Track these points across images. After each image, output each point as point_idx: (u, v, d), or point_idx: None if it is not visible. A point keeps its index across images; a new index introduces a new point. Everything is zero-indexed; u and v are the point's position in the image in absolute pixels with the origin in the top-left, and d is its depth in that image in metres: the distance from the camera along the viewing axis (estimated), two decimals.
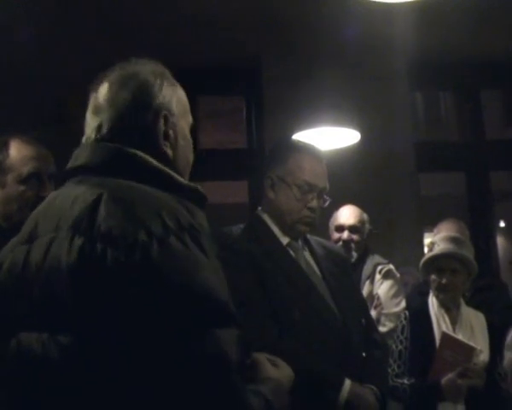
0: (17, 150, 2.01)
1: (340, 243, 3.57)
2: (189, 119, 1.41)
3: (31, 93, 4.18)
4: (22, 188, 1.97)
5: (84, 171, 1.26)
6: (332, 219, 3.68)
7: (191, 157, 1.40)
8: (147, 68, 1.35)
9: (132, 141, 1.27)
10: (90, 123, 1.31)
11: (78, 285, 1.11)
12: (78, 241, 1.13)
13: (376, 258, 3.69)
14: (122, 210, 1.13)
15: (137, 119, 1.29)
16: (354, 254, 3.58)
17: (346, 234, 3.61)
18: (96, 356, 1.09)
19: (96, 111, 1.30)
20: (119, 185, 1.19)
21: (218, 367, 1.07)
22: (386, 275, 3.62)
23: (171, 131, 1.32)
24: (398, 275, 3.68)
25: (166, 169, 1.27)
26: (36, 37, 4.13)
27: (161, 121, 1.30)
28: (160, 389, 1.07)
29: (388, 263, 3.68)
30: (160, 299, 1.07)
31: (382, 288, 3.59)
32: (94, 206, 1.15)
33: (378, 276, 3.62)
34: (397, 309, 3.51)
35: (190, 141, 1.40)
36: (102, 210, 1.14)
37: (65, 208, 1.20)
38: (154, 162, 1.26)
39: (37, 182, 1.98)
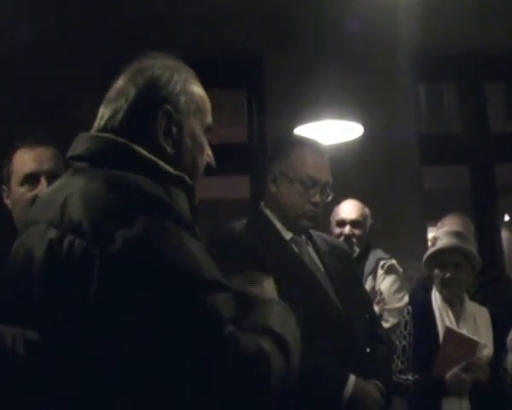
0: (18, 156, 2.11)
1: (342, 237, 3.53)
2: (206, 120, 1.35)
3: (30, 92, 4.17)
4: (21, 190, 2.05)
5: (81, 161, 1.26)
6: (333, 214, 3.64)
7: (201, 160, 1.34)
8: (159, 63, 1.33)
9: (129, 133, 1.25)
10: (98, 114, 1.32)
11: (46, 279, 1.12)
12: (51, 234, 1.14)
13: (379, 253, 3.66)
14: (93, 201, 1.13)
15: (138, 112, 1.27)
16: (356, 250, 3.55)
17: (347, 229, 3.58)
18: (66, 353, 1.08)
19: (106, 103, 1.31)
20: (103, 175, 1.18)
21: (212, 325, 1.06)
22: (389, 270, 3.59)
23: (174, 128, 1.29)
24: (400, 270, 3.65)
25: (152, 157, 1.24)
26: (34, 33, 4.13)
27: (161, 115, 1.27)
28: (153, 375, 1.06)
29: (391, 258, 3.65)
30: (147, 279, 1.07)
31: (385, 283, 3.56)
32: (67, 198, 1.16)
33: (380, 271, 3.59)
34: (399, 305, 3.48)
35: (202, 143, 1.34)
36: (74, 202, 1.15)
37: (49, 201, 1.21)
38: (142, 152, 1.23)
39: (34, 182, 2.05)
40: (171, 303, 1.06)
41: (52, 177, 1.99)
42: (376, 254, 3.65)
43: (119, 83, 1.31)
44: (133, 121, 1.27)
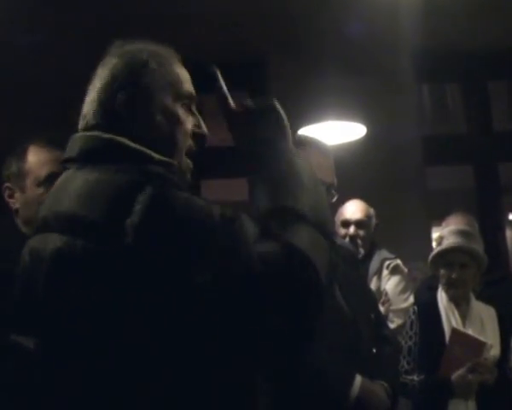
0: (34, 155, 2.07)
1: (347, 238, 3.50)
2: (181, 90, 1.31)
3: (38, 95, 4.17)
4: (40, 190, 2.01)
5: (76, 162, 1.26)
6: (337, 215, 3.61)
7: (180, 133, 1.30)
8: (124, 49, 1.32)
9: (112, 124, 1.25)
10: (83, 109, 1.31)
11: (53, 280, 1.13)
12: (53, 235, 1.15)
13: (383, 253, 3.63)
14: (94, 199, 1.14)
15: (112, 101, 1.26)
16: (361, 251, 3.52)
17: (352, 229, 3.55)
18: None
19: (88, 97, 1.30)
20: (99, 172, 1.18)
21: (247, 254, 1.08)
22: (394, 270, 3.57)
23: (140, 110, 1.26)
24: (405, 270, 3.64)
25: (136, 146, 1.22)
26: (42, 38, 4.13)
27: (126, 98, 1.25)
28: None
29: (396, 258, 3.63)
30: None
31: (390, 283, 3.55)
32: (70, 198, 1.17)
33: (385, 271, 3.57)
34: (405, 305, 3.46)
35: (177, 115, 1.29)
36: (70, 202, 1.16)
37: (56, 201, 1.23)
38: (126, 143, 1.22)
39: (51, 184, 1.99)
40: (207, 247, 1.07)
41: None
42: (381, 254, 3.63)
43: (95, 75, 1.31)
44: (111, 112, 1.25)
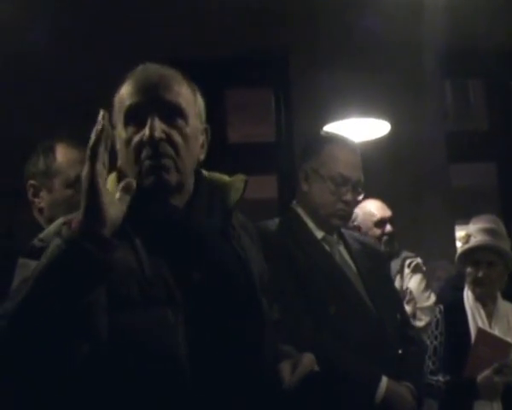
0: (63, 154, 2.01)
1: (385, 237, 3.48)
2: (123, 108, 1.29)
3: (58, 91, 4.18)
4: (70, 192, 1.96)
5: None
6: (365, 216, 3.55)
7: (130, 161, 1.27)
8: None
9: None
10: None
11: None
12: None
13: (404, 252, 3.63)
14: None
15: None
16: (396, 245, 3.53)
17: (389, 227, 3.53)
18: None
19: None
20: None
21: None
22: (416, 269, 3.58)
23: (116, 141, 1.30)
24: (424, 268, 3.63)
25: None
26: (61, 34, 4.14)
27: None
28: None
29: (416, 256, 3.62)
30: None
31: (413, 282, 3.55)
32: None
33: (407, 270, 3.57)
34: (429, 303, 3.48)
35: (126, 142, 1.28)
36: None
37: None
38: None
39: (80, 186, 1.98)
40: None
41: None
42: (402, 253, 3.62)
43: None
44: None
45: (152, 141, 1.24)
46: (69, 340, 1.08)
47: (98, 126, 1.09)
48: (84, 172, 1.09)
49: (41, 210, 2.00)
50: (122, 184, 1.15)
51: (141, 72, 1.32)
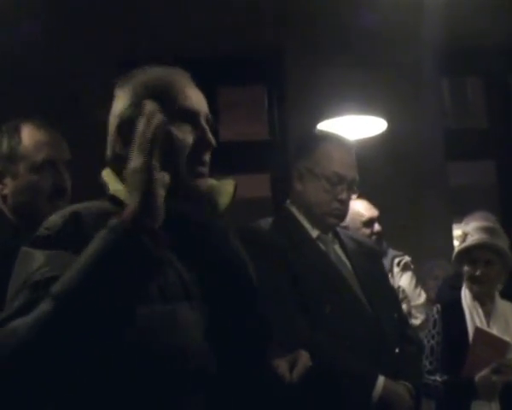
0: (30, 136, 1.84)
1: (374, 236, 3.47)
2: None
3: (43, 89, 4.16)
4: (35, 177, 1.81)
5: None
6: (353, 215, 3.52)
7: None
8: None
9: None
10: None
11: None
12: None
13: (391, 251, 3.66)
14: None
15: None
16: (384, 244, 3.54)
17: (377, 226, 3.53)
18: None
19: None
20: None
21: None
22: (405, 267, 3.61)
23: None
24: (412, 266, 3.66)
25: None
26: (48, 32, 4.12)
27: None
28: None
29: (403, 255, 3.65)
30: None
31: (403, 280, 3.59)
32: None
33: (396, 269, 3.60)
34: (421, 300, 3.54)
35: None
36: None
37: None
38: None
39: (52, 170, 1.84)
40: None
41: (68, 166, 1.85)
42: (390, 252, 3.65)
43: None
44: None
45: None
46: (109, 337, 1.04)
47: (155, 120, 1.08)
48: (138, 164, 1.07)
49: (4, 197, 1.84)
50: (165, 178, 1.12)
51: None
